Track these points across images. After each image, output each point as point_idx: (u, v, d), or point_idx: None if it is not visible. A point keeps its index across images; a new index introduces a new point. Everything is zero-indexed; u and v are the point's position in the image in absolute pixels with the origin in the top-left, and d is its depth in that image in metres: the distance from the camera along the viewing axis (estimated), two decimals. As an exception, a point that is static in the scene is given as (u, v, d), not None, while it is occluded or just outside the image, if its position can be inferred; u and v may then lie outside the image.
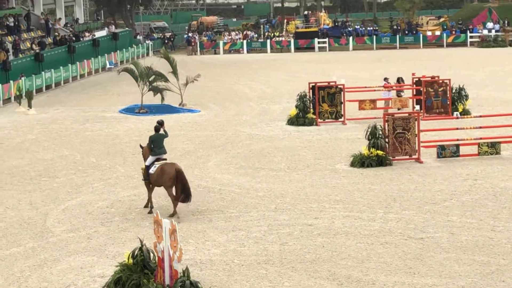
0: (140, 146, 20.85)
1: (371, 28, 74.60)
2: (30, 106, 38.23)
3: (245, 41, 72.11)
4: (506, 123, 27.34)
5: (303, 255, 16.08)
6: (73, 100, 42.61)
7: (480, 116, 28.30)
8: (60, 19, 63.47)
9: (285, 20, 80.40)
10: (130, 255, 14.23)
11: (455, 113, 29.21)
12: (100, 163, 25.97)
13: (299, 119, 31.92)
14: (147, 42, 72.61)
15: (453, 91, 32.57)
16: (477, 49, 66.73)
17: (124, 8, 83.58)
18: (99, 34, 64.66)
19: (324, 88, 32.11)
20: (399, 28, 73.83)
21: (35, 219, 19.42)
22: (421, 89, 32.18)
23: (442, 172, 23.04)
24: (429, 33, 71.91)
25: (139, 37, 75.02)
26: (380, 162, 23.99)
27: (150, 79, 36.69)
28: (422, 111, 30.73)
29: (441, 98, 31.89)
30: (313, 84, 32.56)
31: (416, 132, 24.47)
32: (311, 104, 32.32)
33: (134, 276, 13.91)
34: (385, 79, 35.41)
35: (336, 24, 77.65)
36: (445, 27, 73.41)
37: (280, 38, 73.31)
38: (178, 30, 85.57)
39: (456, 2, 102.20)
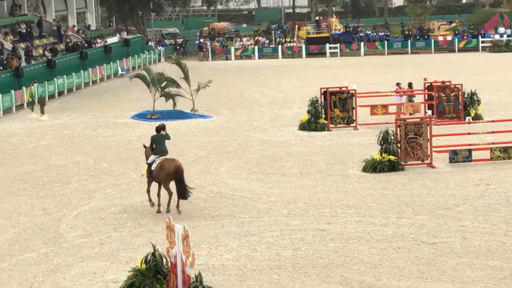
0: (144, 146, 21.24)
1: (383, 33, 74.51)
2: (42, 112, 38.37)
3: (256, 47, 72.12)
4: (519, 127, 27.27)
5: (316, 260, 16.07)
6: (85, 106, 42.74)
7: (492, 121, 28.24)
8: (74, 26, 63.70)
9: (297, 26, 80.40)
10: (143, 260, 14.25)
11: (467, 118, 29.19)
12: (112, 168, 26.04)
13: (311, 125, 31.91)
14: (158, 48, 72.74)
15: (465, 96, 32.52)
16: (488, 54, 66.58)
17: (136, 15, 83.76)
18: (111, 40, 64.83)
19: (335, 94, 32.10)
20: (410, 33, 73.73)
21: (48, 225, 19.48)
22: (433, 94, 32.14)
23: (455, 177, 22.99)
24: (440, 38, 71.78)
25: (151, 43, 75.15)
26: (392, 167, 23.96)
27: (162, 85, 36.76)
28: (434, 116, 30.68)
29: (453, 103, 31.84)
30: (325, 90, 32.55)
31: (428, 137, 24.44)
32: (323, 110, 32.30)
33: (147, 282, 13.93)
34: (397, 84, 35.37)
35: (348, 29, 77.61)
36: (456, 32, 73.27)
37: (292, 44, 73.29)
38: (190, 36, 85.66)
39: (468, 7, 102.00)
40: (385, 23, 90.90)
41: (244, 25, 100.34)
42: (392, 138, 24.36)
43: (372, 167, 23.95)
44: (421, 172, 23.76)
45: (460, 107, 31.86)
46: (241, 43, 74.74)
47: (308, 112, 32.27)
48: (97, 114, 39.31)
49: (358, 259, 16.05)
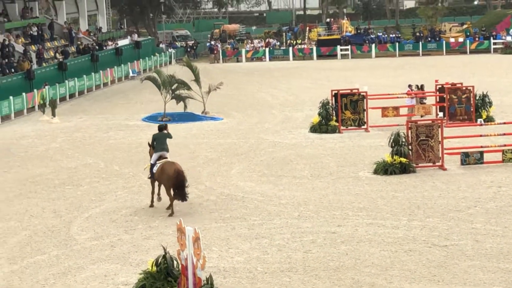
0: (149, 144, 21.52)
1: (394, 35, 74.48)
2: (54, 114, 38.46)
3: (267, 49, 72.12)
4: (531, 129, 27.17)
5: (327, 262, 16.04)
6: (96, 109, 42.82)
7: (504, 123, 28.11)
8: (87, 30, 63.89)
9: (307, 28, 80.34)
10: (154, 262, 14.24)
11: (479, 120, 29.07)
12: (123, 171, 26.07)
13: (322, 127, 31.87)
14: (169, 50, 72.87)
15: (477, 98, 32.39)
16: (500, 56, 66.38)
17: (147, 17, 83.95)
18: (122, 42, 64.97)
19: (346, 96, 32.05)
20: (422, 35, 73.64)
21: (59, 227, 19.50)
22: (445, 96, 32.05)
23: (466, 179, 22.92)
24: (452, 40, 71.67)
25: (162, 46, 75.29)
26: (404, 169, 23.90)
27: (173, 87, 36.76)
28: (445, 118, 30.59)
29: (464, 105, 31.75)
30: (336, 92, 32.50)
31: (440, 139, 24.37)
32: (334, 112, 32.26)
33: (157, 284, 13.92)
34: (409, 86, 35.33)
35: (359, 31, 77.60)
36: (468, 33, 73.13)
37: (303, 46, 73.29)
38: (201, 38, 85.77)
39: (479, 9, 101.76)
40: (396, 25, 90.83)
41: (254, 27, 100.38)
42: (403, 140, 24.29)
43: (383, 169, 23.90)
44: (433, 174, 23.70)
45: (472, 109, 31.75)
46: (252, 45, 74.80)
47: (319, 114, 32.22)
48: (108, 116, 39.37)
49: (369, 261, 16.01)
